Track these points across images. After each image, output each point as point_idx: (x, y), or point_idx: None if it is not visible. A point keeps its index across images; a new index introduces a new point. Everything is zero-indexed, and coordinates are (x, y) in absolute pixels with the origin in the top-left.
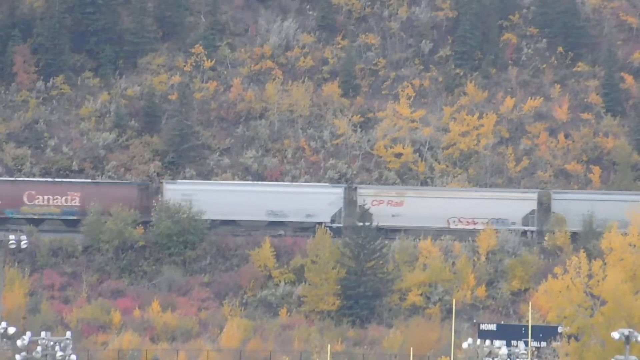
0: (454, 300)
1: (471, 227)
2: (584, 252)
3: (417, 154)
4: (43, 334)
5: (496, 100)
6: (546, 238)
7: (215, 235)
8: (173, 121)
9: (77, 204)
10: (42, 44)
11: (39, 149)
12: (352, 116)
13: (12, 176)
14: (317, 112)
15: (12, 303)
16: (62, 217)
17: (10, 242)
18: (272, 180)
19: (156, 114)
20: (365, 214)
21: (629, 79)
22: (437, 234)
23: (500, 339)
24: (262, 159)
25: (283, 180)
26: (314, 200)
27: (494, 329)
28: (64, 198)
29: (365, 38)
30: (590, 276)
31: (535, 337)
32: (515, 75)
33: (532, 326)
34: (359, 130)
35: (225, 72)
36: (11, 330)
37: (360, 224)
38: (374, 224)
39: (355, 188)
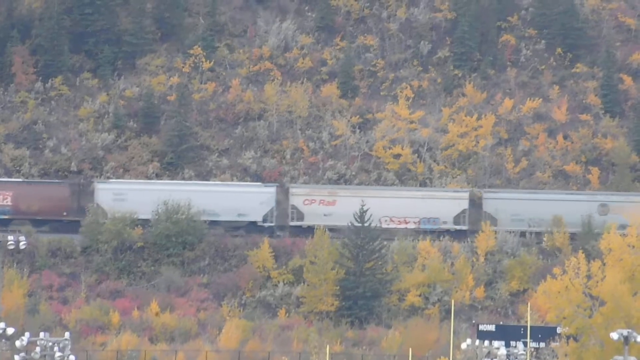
0: (452, 301)
1: (403, 226)
2: (582, 252)
3: (416, 154)
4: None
5: (495, 101)
6: (545, 238)
7: (214, 236)
8: (172, 122)
9: (9, 203)
10: (40, 45)
11: (38, 150)
12: (350, 117)
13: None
14: (315, 113)
15: (11, 304)
16: None
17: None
18: (270, 181)
19: (155, 114)
20: (297, 213)
21: (627, 80)
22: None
23: (499, 339)
24: (261, 160)
25: (282, 181)
26: (246, 200)
27: (493, 329)
28: None
29: (363, 39)
30: (589, 277)
31: (534, 338)
32: (514, 76)
33: (531, 327)
34: (357, 131)
35: (224, 73)
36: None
37: (293, 223)
38: (306, 223)
39: (288, 187)
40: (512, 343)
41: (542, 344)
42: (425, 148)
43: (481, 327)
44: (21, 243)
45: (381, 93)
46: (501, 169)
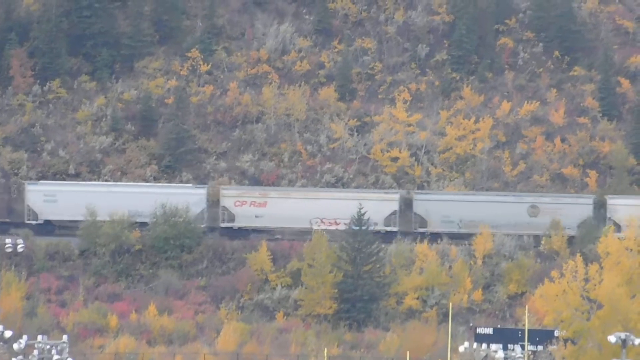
0: (450, 304)
1: (333, 227)
2: (580, 256)
3: (414, 157)
4: (39, 337)
5: (492, 104)
6: (542, 242)
7: (212, 239)
8: (169, 125)
9: None
10: (38, 48)
11: (36, 153)
12: (348, 120)
13: (8, 180)
14: (313, 116)
15: (9, 306)
16: None
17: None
18: (269, 185)
19: (153, 117)
20: (228, 215)
21: (625, 83)
22: (300, 234)
23: (496, 342)
24: (259, 163)
25: (280, 184)
26: (176, 201)
27: (491, 332)
28: None
29: (361, 42)
30: (586, 280)
31: (532, 341)
32: (512, 80)
33: (528, 330)
34: (355, 134)
35: (222, 76)
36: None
37: (224, 225)
38: (237, 224)
39: (219, 189)
40: (510, 346)
41: (540, 347)
42: (423, 151)
43: (479, 330)
44: (19, 246)
45: (379, 96)
46: (499, 172)
